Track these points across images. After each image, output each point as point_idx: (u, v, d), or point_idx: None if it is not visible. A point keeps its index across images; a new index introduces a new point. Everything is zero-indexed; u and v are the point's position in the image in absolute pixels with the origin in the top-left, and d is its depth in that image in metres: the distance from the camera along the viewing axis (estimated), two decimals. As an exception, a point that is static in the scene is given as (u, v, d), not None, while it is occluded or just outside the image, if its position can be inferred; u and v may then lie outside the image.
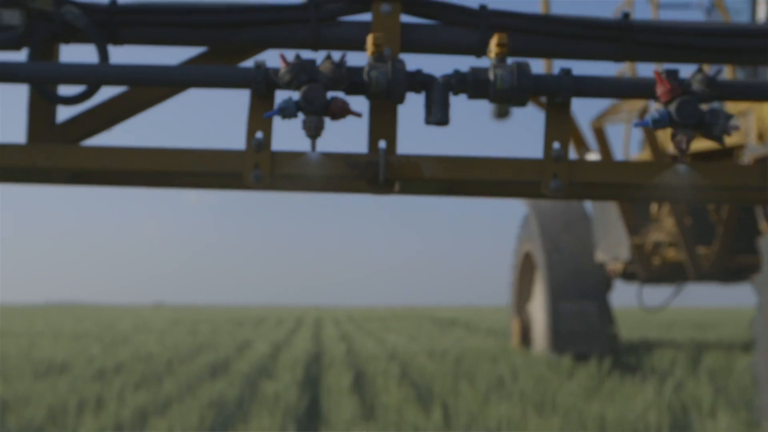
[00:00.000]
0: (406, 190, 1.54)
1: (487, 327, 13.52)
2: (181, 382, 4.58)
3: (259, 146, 1.40)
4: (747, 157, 3.90)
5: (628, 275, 6.88)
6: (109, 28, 1.49)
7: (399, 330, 12.51)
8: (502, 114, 5.33)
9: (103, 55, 1.48)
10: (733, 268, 5.64)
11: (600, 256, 6.89)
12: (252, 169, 1.39)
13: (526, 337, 7.98)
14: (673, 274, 6.36)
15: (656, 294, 7.03)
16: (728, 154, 4.77)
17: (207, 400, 3.91)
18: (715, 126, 1.40)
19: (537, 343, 7.59)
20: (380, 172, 1.41)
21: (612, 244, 6.62)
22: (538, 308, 7.17)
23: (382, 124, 1.46)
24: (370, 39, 1.40)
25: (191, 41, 1.52)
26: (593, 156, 6.00)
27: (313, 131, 1.37)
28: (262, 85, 1.39)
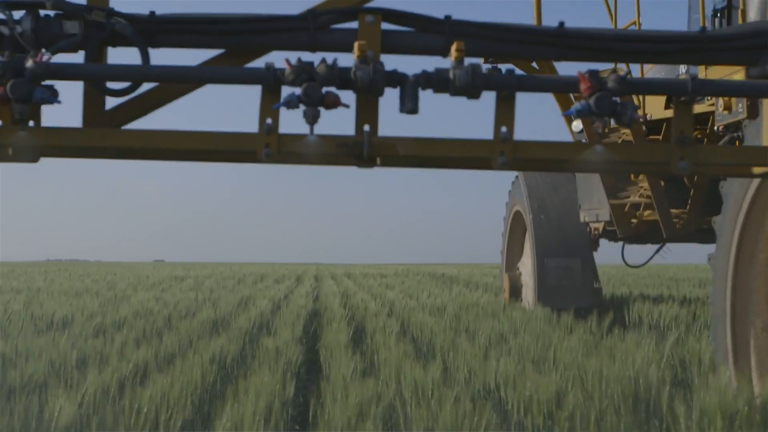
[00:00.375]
0: (385, 164, 1.90)
1: (486, 283, 13.58)
2: (182, 339, 4.60)
3: (269, 130, 1.78)
4: (717, 125, 4.34)
5: (608, 234, 7.37)
6: (148, 35, 1.84)
7: (399, 287, 12.56)
8: None
9: (144, 56, 1.83)
10: (704, 229, 5.86)
11: (583, 216, 7.44)
12: (264, 148, 1.77)
13: (515, 291, 8.49)
14: (649, 234, 6.86)
15: (641, 252, 7.49)
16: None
17: (208, 356, 3.93)
18: (624, 115, 1.76)
19: (525, 298, 8.15)
20: (365, 150, 1.79)
21: (594, 206, 7.18)
22: (526, 265, 7.57)
23: (366, 113, 1.82)
24: (356, 45, 1.77)
25: (213, 45, 1.90)
26: (576, 124, 6.58)
27: (312, 119, 1.73)
28: (271, 82, 1.76)
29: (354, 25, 1.87)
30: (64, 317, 6.21)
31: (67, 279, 16.49)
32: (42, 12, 1.79)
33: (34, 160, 1.90)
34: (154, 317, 6.10)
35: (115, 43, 1.85)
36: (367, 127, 1.81)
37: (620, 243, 7.49)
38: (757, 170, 2.11)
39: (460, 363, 3.64)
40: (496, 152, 1.82)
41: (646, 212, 6.64)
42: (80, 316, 6.24)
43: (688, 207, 6.08)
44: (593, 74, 1.75)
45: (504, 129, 1.80)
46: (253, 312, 6.45)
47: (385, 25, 1.87)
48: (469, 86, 1.75)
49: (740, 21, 5.10)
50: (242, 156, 1.91)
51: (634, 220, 6.77)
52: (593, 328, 5.47)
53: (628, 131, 6.16)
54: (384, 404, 2.26)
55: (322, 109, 1.73)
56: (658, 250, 7.36)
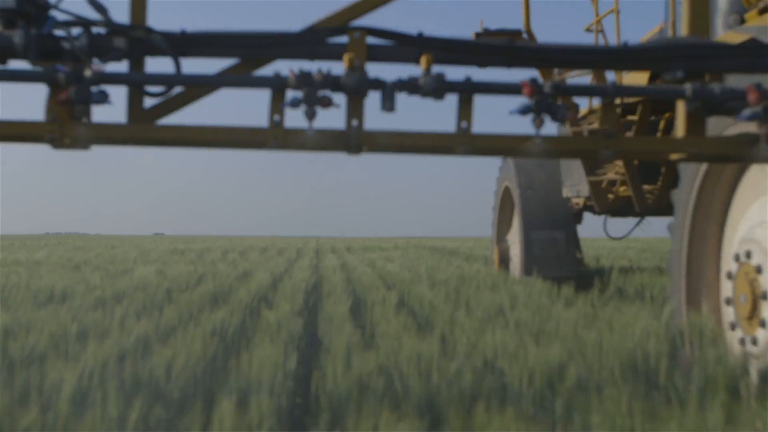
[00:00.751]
0: (370, 151, 2.34)
1: (486, 256, 13.60)
2: (182, 311, 4.61)
3: (276, 125, 2.27)
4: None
5: (588, 208, 8.06)
6: (180, 48, 2.31)
7: (399, 259, 12.58)
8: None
9: (177, 66, 2.31)
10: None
11: (566, 191, 8.08)
12: (273, 139, 2.27)
13: (504, 262, 9.22)
14: (624, 208, 7.41)
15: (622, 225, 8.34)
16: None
17: (209, 329, 3.94)
18: (557, 113, 2.25)
19: (513, 267, 8.83)
20: (353, 141, 2.27)
21: (574, 182, 7.81)
22: (514, 237, 8.17)
23: (354, 111, 2.30)
24: (345, 57, 2.25)
25: (230, 56, 2.38)
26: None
27: (310, 116, 2.22)
28: (278, 87, 2.26)
29: (344, 39, 2.33)
30: (64, 290, 6.22)
31: (67, 252, 16.51)
32: (94, 30, 2.26)
33: (86, 148, 2.33)
34: (155, 290, 6.11)
35: (152, 53, 2.32)
36: (354, 123, 2.28)
37: (602, 217, 8.07)
38: (673, 156, 2.51)
39: (459, 335, 3.65)
40: (458, 143, 2.30)
41: (621, 188, 7.12)
42: (80, 288, 6.25)
43: (659, 183, 6.50)
44: (533, 81, 2.26)
45: (464, 124, 2.31)
46: (253, 285, 6.47)
47: (370, 40, 2.33)
48: (434, 90, 2.24)
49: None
50: (255, 145, 2.35)
51: (610, 196, 7.29)
52: (594, 300, 5.49)
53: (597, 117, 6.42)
54: (385, 376, 2.26)
55: (318, 109, 2.21)
56: (637, 224, 7.93)
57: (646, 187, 6.56)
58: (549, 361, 2.57)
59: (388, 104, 2.25)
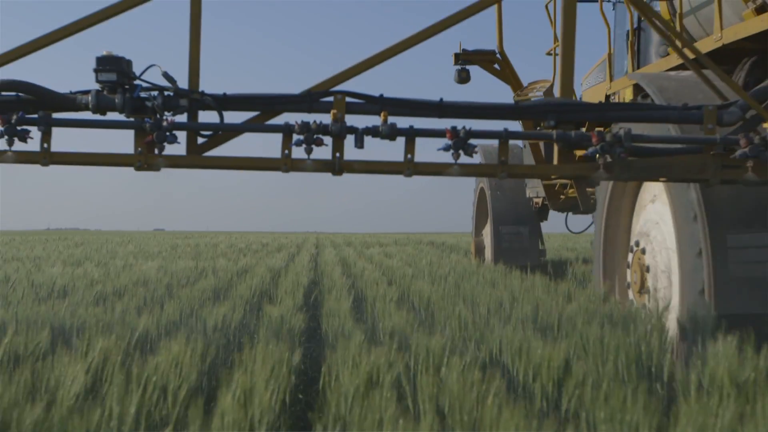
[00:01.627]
0: (349, 172, 3.45)
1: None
2: (183, 307, 4.60)
3: (286, 156, 3.38)
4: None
5: (545, 206, 9.73)
6: (222, 105, 3.41)
7: (398, 255, 12.57)
8: (461, 81, 7.30)
9: (221, 117, 3.44)
10: None
11: (528, 192, 9.79)
12: (284, 165, 3.38)
13: (480, 253, 11.09)
14: (573, 207, 9.12)
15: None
16: None
17: (210, 324, 3.93)
18: (467, 150, 3.37)
19: (486, 257, 10.68)
20: (336, 167, 3.40)
21: (534, 185, 9.46)
22: (487, 231, 9.45)
23: (337, 147, 3.40)
24: (332, 112, 3.39)
25: (254, 110, 3.50)
26: (537, 89, 8.69)
27: (309, 151, 3.34)
28: (287, 132, 3.35)
29: (330, 99, 3.44)
30: (65, 285, 6.21)
31: (68, 247, 16.50)
32: (166, 93, 3.35)
33: (158, 170, 3.44)
34: (155, 285, 6.10)
35: (204, 109, 3.43)
36: (338, 155, 3.39)
37: (564, 213, 9.69)
38: (552, 176, 3.76)
39: (461, 331, 3.64)
40: (405, 167, 3.43)
41: (570, 190, 8.60)
42: (81, 284, 6.24)
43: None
44: (453, 128, 3.37)
45: (409, 156, 3.42)
46: (253, 280, 6.46)
47: (348, 99, 3.45)
48: (389, 135, 3.36)
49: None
50: (272, 169, 3.44)
51: (561, 197, 8.91)
52: (591, 296, 5.48)
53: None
54: (393, 372, 2.25)
55: (314, 146, 3.31)
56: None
57: (589, 189, 7.47)
58: (554, 357, 2.56)
59: (359, 144, 3.38)
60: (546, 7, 8.14)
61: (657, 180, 4.32)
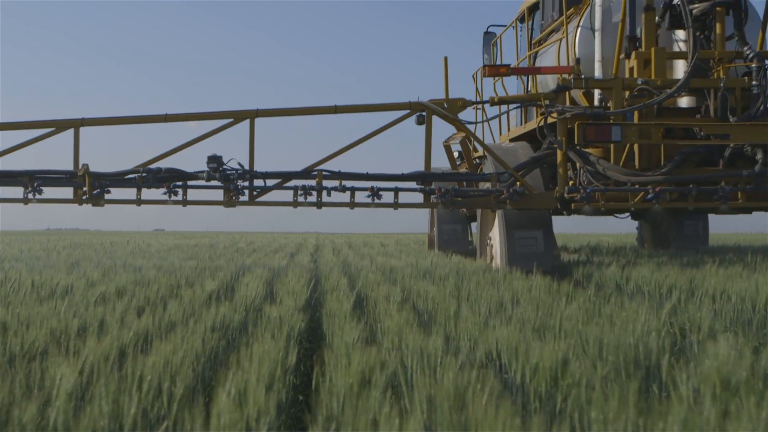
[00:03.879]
0: (328, 206, 8.07)
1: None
2: (184, 307, 4.61)
3: (295, 201, 8.51)
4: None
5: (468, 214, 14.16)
6: (264, 176, 8.34)
7: (399, 255, 12.57)
8: (419, 123, 9.09)
9: (264, 182, 8.34)
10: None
11: None
12: (294, 205, 8.49)
13: (432, 244, 15.42)
14: (472, 218, 13.79)
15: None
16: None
17: (210, 324, 3.93)
18: (378, 195, 8.48)
19: (435, 247, 14.66)
20: (318, 204, 8.18)
21: None
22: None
23: (319, 195, 8.28)
24: (316, 180, 8.28)
25: (279, 177, 8.38)
26: (454, 142, 12.61)
27: (305, 197, 8.42)
28: (295, 189, 8.50)
29: (315, 173, 8.08)
30: (66, 286, 6.21)
31: (68, 247, 16.51)
32: (238, 171, 8.40)
33: (234, 207, 8.27)
34: (157, 285, 6.11)
35: (255, 178, 8.39)
36: (319, 199, 8.21)
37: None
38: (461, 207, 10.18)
39: (462, 331, 3.64)
40: (352, 206, 8.31)
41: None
42: (81, 284, 6.24)
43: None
44: (372, 187, 8.26)
45: (353, 199, 8.22)
46: (254, 281, 6.46)
47: (325, 172, 8.16)
48: (341, 189, 8.17)
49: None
50: (289, 205, 8.32)
51: (463, 210, 13.34)
52: (592, 296, 5.47)
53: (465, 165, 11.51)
54: (387, 372, 2.25)
55: (307, 196, 8.30)
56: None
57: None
58: (552, 357, 2.57)
59: (328, 194, 7.92)
60: (473, 76, 12.04)
61: (470, 207, 10.29)
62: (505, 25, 12.65)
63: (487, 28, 13.18)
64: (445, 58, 10.30)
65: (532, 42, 11.94)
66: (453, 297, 5.27)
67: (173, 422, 2.25)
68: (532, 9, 12.05)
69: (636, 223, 14.65)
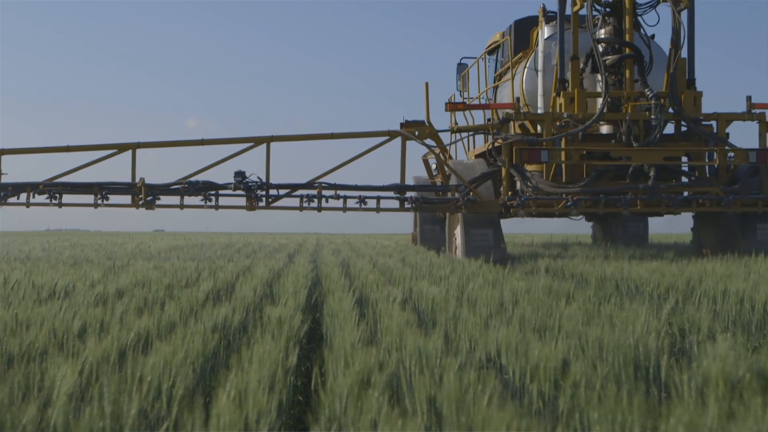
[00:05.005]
0: (326, 210, 11.40)
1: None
2: (183, 307, 4.60)
3: (301, 205, 11.37)
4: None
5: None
6: (278, 187, 11.53)
7: (399, 255, 12.56)
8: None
9: (277, 191, 11.57)
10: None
11: None
12: (300, 210, 11.42)
13: (415, 241, 17.54)
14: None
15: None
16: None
17: (210, 325, 3.92)
18: (366, 203, 11.35)
19: (417, 242, 16.81)
20: (319, 209, 11.26)
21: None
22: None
23: (319, 202, 11.49)
24: (317, 190, 11.35)
25: (290, 188, 11.55)
26: (431, 158, 14.11)
27: (308, 203, 11.38)
28: (301, 197, 11.48)
29: (316, 185, 11.26)
30: (66, 286, 6.21)
31: (68, 248, 16.49)
32: (258, 182, 11.45)
33: (254, 211, 11.22)
34: (156, 286, 6.10)
35: (271, 188, 11.30)
36: (319, 204, 11.25)
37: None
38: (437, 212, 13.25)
39: (461, 331, 3.64)
40: (344, 210, 11.20)
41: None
42: (81, 285, 6.23)
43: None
44: (359, 196, 11.16)
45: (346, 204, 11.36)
46: (253, 281, 6.45)
47: (324, 185, 11.39)
48: (334, 197, 11.14)
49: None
50: (298, 210, 11.32)
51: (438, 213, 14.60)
52: (591, 297, 5.47)
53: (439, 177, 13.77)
54: (387, 372, 2.25)
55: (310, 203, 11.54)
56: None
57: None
58: (552, 358, 2.56)
59: (326, 201, 11.04)
60: (446, 103, 14.02)
61: (434, 212, 13.11)
62: (476, 57, 15.81)
63: (460, 60, 16.47)
64: (426, 84, 12.78)
65: (495, 75, 15.14)
66: (454, 297, 5.26)
67: (173, 422, 2.25)
68: (494, 48, 15.24)
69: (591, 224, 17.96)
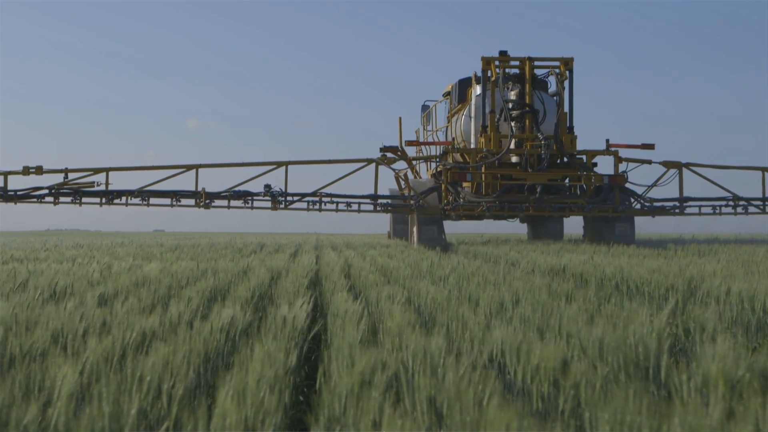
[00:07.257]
0: (326, 210, 18.07)
1: (484, 253, 13.58)
2: (183, 307, 4.60)
3: (308, 206, 17.91)
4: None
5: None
6: (283, 196, 17.86)
7: (399, 255, 12.57)
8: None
9: (292, 197, 17.94)
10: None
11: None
12: (308, 210, 17.64)
13: (391, 236, 22.44)
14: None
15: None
16: None
17: (210, 325, 3.92)
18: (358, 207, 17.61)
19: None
20: (320, 209, 17.72)
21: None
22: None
23: (320, 206, 18.20)
24: (318, 196, 17.88)
25: (299, 196, 18.53)
26: (402, 173, 19.32)
27: (314, 205, 18.04)
28: (308, 202, 17.80)
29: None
30: (66, 286, 6.21)
31: (68, 248, 16.51)
32: (281, 192, 17.87)
33: (275, 210, 17.87)
34: (156, 286, 6.10)
35: (286, 196, 17.60)
36: (319, 206, 17.88)
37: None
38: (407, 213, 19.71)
39: (463, 331, 3.64)
40: (336, 210, 17.47)
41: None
42: (81, 285, 6.24)
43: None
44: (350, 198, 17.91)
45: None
46: (254, 281, 6.46)
47: (324, 192, 18.20)
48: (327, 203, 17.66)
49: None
50: (306, 211, 17.50)
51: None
52: (591, 297, 5.47)
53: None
54: (389, 372, 2.25)
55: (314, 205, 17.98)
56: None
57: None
58: (553, 357, 2.56)
59: (325, 206, 17.43)
60: (416, 132, 23.04)
61: (399, 213, 19.03)
62: (436, 101, 22.77)
63: (424, 102, 23.62)
64: (400, 118, 20.21)
65: (447, 116, 21.45)
66: (454, 297, 5.26)
67: (173, 422, 2.25)
68: (447, 94, 21.61)
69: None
